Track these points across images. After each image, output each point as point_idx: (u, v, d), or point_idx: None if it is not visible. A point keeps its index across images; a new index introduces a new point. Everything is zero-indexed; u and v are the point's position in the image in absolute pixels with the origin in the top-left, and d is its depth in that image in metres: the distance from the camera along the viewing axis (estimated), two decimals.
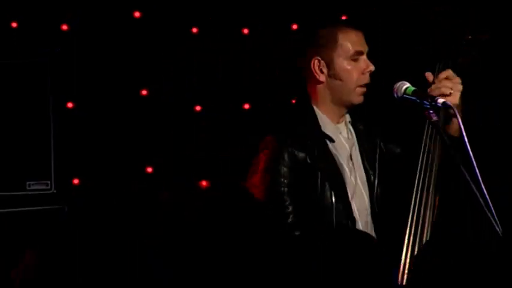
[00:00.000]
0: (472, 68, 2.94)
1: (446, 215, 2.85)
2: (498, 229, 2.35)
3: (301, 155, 2.72)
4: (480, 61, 2.99)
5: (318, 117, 2.82)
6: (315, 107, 2.84)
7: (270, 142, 2.79)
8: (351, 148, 2.84)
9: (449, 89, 2.64)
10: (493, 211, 2.39)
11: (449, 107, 2.51)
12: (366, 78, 2.80)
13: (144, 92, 3.89)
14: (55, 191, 3.62)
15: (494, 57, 4.00)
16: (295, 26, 3.96)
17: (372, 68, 2.82)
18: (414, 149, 2.84)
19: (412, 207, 2.66)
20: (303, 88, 2.89)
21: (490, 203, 2.38)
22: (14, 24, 3.62)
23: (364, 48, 2.82)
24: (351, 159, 2.81)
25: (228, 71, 3.97)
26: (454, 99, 2.61)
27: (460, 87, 2.66)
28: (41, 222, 3.61)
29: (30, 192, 3.59)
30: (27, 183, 3.59)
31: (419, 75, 2.77)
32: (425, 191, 2.71)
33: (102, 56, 3.74)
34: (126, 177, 3.86)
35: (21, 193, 3.57)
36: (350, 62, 2.82)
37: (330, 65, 2.79)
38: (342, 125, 2.86)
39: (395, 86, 2.64)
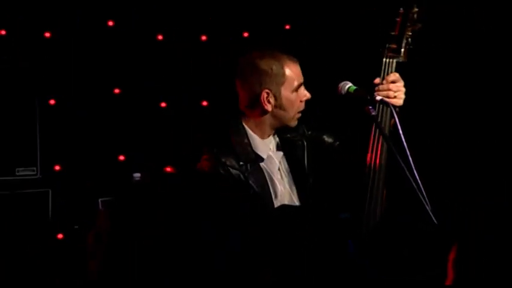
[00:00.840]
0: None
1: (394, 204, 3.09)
2: (428, 207, 2.69)
3: (235, 172, 2.95)
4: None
5: (249, 135, 3.05)
6: (246, 126, 3.07)
7: (208, 159, 3.04)
8: (279, 160, 3.05)
9: (393, 92, 2.87)
10: (424, 193, 2.75)
11: (386, 104, 2.84)
12: (303, 105, 3.05)
13: (116, 91, 4.31)
14: (40, 176, 4.10)
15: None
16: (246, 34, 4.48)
17: (308, 96, 3.07)
18: (354, 142, 3.17)
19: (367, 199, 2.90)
20: (235, 107, 3.13)
21: (421, 186, 2.74)
22: (3, 32, 4.07)
23: (302, 79, 3.04)
24: (280, 169, 3.03)
25: (188, 74, 4.43)
26: (398, 102, 2.88)
27: (403, 89, 2.89)
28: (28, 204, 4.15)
29: (18, 177, 4.05)
30: (16, 169, 4.06)
31: (365, 74, 3.04)
32: (375, 184, 2.94)
33: (81, 60, 4.17)
34: (100, 164, 4.30)
35: (11, 178, 4.03)
36: (293, 93, 3.03)
37: (277, 96, 3.00)
38: (269, 139, 3.08)
39: (339, 85, 2.95)
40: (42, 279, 4.07)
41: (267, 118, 3.05)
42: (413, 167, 2.79)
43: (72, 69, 4.25)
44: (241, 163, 2.96)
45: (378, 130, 2.87)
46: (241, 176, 2.98)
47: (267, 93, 2.96)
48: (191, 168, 3.12)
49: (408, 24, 2.95)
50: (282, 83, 3.00)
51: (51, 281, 4.12)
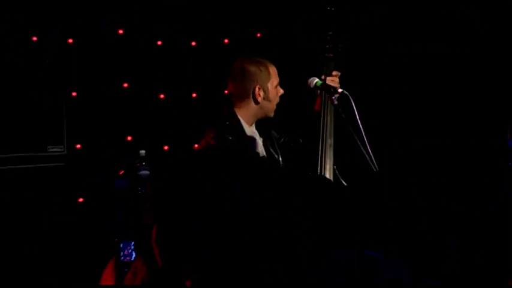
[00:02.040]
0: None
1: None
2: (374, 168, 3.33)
3: (235, 145, 3.48)
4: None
5: (241, 122, 3.64)
6: (239, 116, 3.65)
7: (214, 137, 3.56)
8: (259, 140, 3.67)
9: (338, 83, 3.69)
10: (368, 148, 3.39)
11: (347, 94, 3.54)
12: (278, 99, 3.68)
13: (125, 85, 5.11)
14: (66, 152, 4.94)
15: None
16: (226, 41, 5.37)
17: (282, 91, 3.70)
18: (310, 127, 3.77)
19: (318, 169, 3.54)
20: (228, 101, 3.74)
21: (372, 158, 3.38)
22: (35, 38, 4.85)
23: (278, 79, 3.68)
24: (258, 146, 3.65)
25: (182, 72, 5.28)
26: (339, 88, 3.61)
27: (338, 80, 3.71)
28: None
29: (49, 154, 4.89)
30: (48, 147, 4.90)
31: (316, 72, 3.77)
32: (326, 152, 3.62)
33: (96, 61, 4.96)
34: (112, 143, 5.10)
35: (44, 154, 4.87)
36: (275, 88, 3.66)
37: (265, 90, 3.62)
38: (253, 127, 3.69)
39: (308, 80, 3.69)
40: (66, 235, 4.85)
41: (256, 108, 3.66)
42: (363, 135, 3.50)
43: (90, 68, 5.02)
44: (240, 141, 3.56)
45: (331, 108, 3.64)
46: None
47: (259, 88, 3.59)
48: (209, 143, 3.57)
49: (337, 42, 3.76)
50: (269, 80, 3.62)
51: (74, 240, 4.89)
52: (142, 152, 4.73)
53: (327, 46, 3.78)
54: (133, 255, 3.69)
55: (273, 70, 3.68)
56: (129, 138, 5.16)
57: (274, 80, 3.67)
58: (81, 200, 4.97)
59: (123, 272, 3.43)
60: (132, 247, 3.58)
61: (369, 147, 3.48)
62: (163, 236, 2.31)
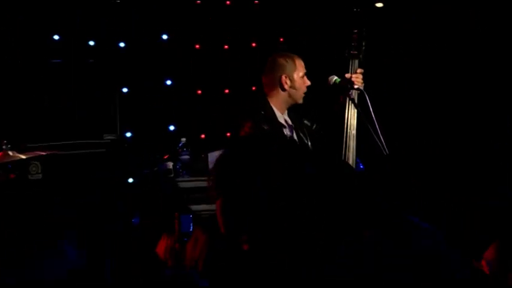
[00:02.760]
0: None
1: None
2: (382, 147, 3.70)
3: (269, 133, 3.61)
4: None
5: (274, 110, 4.05)
6: (271, 104, 4.05)
7: (246, 127, 3.89)
8: (290, 126, 4.05)
9: (361, 81, 4.00)
10: (382, 140, 3.73)
11: (362, 90, 3.93)
12: (305, 89, 4.05)
13: (168, 82, 5.99)
14: (118, 139, 5.79)
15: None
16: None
17: (309, 83, 4.06)
18: (335, 120, 4.07)
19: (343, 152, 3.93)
20: (262, 92, 4.16)
21: (384, 144, 3.74)
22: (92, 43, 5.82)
23: (305, 70, 4.07)
24: (290, 132, 4.01)
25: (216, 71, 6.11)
26: (362, 86, 3.96)
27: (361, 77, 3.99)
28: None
29: (105, 140, 5.68)
30: (104, 135, 5.71)
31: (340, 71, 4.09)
32: (349, 143, 3.98)
33: (144, 63, 5.83)
34: (156, 132, 5.93)
35: (101, 141, 5.68)
36: (301, 78, 4.06)
37: (291, 79, 4.03)
38: (285, 115, 4.09)
39: (328, 78, 4.06)
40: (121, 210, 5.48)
41: (285, 96, 4.06)
42: (376, 126, 3.86)
43: (139, 68, 5.86)
44: (274, 128, 3.92)
45: (352, 103, 3.96)
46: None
47: (285, 77, 4.02)
48: (247, 132, 3.91)
49: (362, 39, 4.07)
50: (294, 70, 4.05)
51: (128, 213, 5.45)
52: (183, 139, 5.57)
53: (352, 44, 4.10)
54: (191, 227, 4.30)
55: (299, 62, 4.10)
56: (172, 127, 6.01)
57: (300, 70, 4.08)
58: (130, 180, 5.77)
59: (183, 241, 4.08)
60: (190, 220, 4.37)
61: (380, 135, 3.89)
62: (226, 208, 2.47)
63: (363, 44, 4.08)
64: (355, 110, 4.00)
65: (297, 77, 4.06)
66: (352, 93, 3.99)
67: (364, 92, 3.94)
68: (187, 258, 3.34)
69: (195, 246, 3.22)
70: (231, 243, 2.55)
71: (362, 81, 4.00)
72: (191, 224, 4.11)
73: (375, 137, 3.86)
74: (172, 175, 5.52)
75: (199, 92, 6.14)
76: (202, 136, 6.11)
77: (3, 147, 4.64)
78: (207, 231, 3.17)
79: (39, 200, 5.02)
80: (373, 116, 3.92)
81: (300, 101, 4.09)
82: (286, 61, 4.07)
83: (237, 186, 2.47)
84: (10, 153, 4.68)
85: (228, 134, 5.53)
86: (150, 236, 4.78)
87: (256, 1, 6.15)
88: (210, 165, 5.43)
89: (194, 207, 5.21)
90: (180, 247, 3.68)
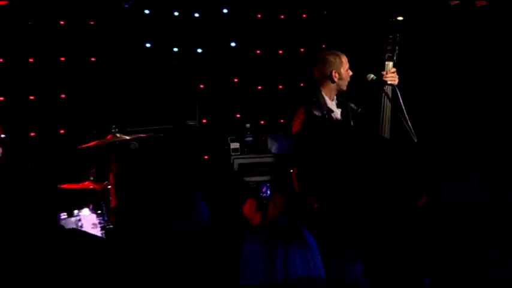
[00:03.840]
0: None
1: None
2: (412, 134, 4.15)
3: (320, 118, 4.43)
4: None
5: (324, 97, 4.59)
6: (323, 93, 4.60)
7: (300, 113, 4.47)
8: (337, 109, 4.63)
9: (395, 78, 4.55)
10: (411, 129, 4.14)
11: (394, 86, 4.49)
12: (349, 78, 4.63)
13: (235, 80, 7.31)
14: (197, 125, 7.10)
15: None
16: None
17: (351, 73, 4.64)
18: (373, 108, 4.63)
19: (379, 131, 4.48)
20: (314, 83, 4.65)
21: (413, 132, 4.18)
22: (176, 49, 7.37)
23: (348, 64, 4.65)
24: (338, 116, 4.60)
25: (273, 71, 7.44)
26: (396, 82, 4.52)
27: (397, 76, 4.53)
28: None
29: (187, 125, 7.05)
30: (187, 121, 7.05)
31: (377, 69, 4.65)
32: (384, 126, 4.54)
33: (219, 65, 7.23)
34: (226, 119, 7.28)
35: (184, 125, 7.05)
36: (346, 71, 4.64)
37: (339, 73, 4.61)
38: (334, 100, 4.65)
39: (367, 76, 4.65)
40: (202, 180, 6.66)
41: (333, 86, 4.64)
42: (406, 116, 4.31)
43: (213, 70, 7.20)
44: (324, 112, 4.49)
45: (387, 98, 4.52)
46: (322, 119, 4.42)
47: (335, 72, 4.60)
48: (300, 117, 4.46)
49: (395, 44, 4.68)
50: (341, 66, 4.63)
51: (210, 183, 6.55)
52: (247, 125, 7.07)
53: (388, 48, 4.72)
54: (268, 193, 5.04)
55: (344, 58, 4.69)
56: (238, 115, 7.39)
57: (345, 65, 4.68)
58: (206, 157, 7.11)
59: (263, 204, 4.49)
60: (268, 187, 5.15)
61: (410, 124, 4.36)
62: (300, 174, 3.09)
63: (396, 48, 4.69)
64: (389, 102, 4.54)
65: (343, 70, 4.67)
66: (386, 88, 4.58)
67: (396, 88, 4.53)
68: (269, 216, 3.76)
69: (275, 207, 3.62)
70: (304, 204, 3.15)
71: (396, 78, 4.59)
72: (268, 191, 4.96)
73: (405, 125, 4.35)
74: (239, 153, 6.92)
75: (260, 87, 7.54)
76: (262, 122, 7.46)
77: (112, 130, 5.81)
78: (284, 195, 3.61)
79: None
80: (404, 107, 4.44)
81: (345, 88, 4.68)
82: (335, 58, 4.67)
83: (301, 163, 3.35)
84: (117, 135, 5.82)
85: (282, 120, 6.97)
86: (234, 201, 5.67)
87: (304, 15, 7.54)
88: (269, 145, 7.00)
89: (255, 179, 6.60)
90: (261, 210, 4.14)
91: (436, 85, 6.45)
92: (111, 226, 5.63)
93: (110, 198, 5.60)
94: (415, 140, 4.26)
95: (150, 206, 5.68)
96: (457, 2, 6.58)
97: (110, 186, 5.67)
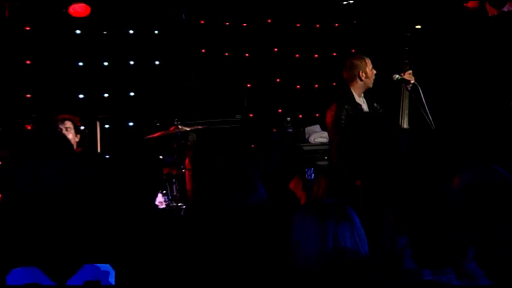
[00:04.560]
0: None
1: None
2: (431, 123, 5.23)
3: (351, 111, 5.29)
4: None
5: (354, 94, 5.47)
6: (352, 91, 5.49)
7: (333, 107, 5.32)
8: (364, 105, 5.48)
9: (412, 78, 5.54)
10: (430, 119, 5.16)
11: (416, 84, 5.48)
12: (374, 77, 5.49)
13: (278, 80, 8.49)
14: (245, 118, 8.48)
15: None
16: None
17: (375, 72, 5.50)
18: (394, 104, 5.59)
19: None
20: (345, 83, 5.58)
21: (431, 120, 5.22)
22: (203, 50, 8.72)
23: (372, 65, 5.51)
24: (365, 109, 5.46)
25: (309, 73, 8.64)
26: (413, 80, 5.49)
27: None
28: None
29: (236, 119, 8.11)
30: (236, 115, 8.15)
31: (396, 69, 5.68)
32: (404, 117, 5.50)
33: (264, 68, 8.62)
34: (267, 114, 8.48)
35: (233, 119, 8.12)
36: (371, 71, 5.51)
37: (365, 73, 5.48)
38: (361, 98, 5.52)
39: (392, 76, 5.60)
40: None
41: (361, 84, 5.50)
42: (426, 108, 5.28)
43: (258, 72, 8.40)
44: (352, 107, 5.35)
45: (408, 92, 5.52)
46: (351, 113, 5.29)
47: (361, 72, 5.47)
48: (332, 110, 5.36)
49: (411, 50, 5.66)
50: (366, 66, 5.50)
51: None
52: (288, 118, 8.16)
53: (404, 55, 5.75)
54: (312, 176, 5.25)
55: (368, 60, 5.59)
56: (280, 110, 8.56)
57: (369, 65, 5.58)
58: (252, 146, 8.18)
59: (308, 185, 4.62)
60: (312, 171, 5.28)
61: (429, 114, 5.39)
62: (340, 156, 3.93)
63: (412, 53, 5.79)
64: (409, 97, 5.54)
65: (368, 70, 5.57)
66: (409, 86, 5.62)
67: (418, 85, 5.55)
68: (314, 196, 3.96)
69: (319, 188, 3.78)
70: (346, 183, 3.46)
71: (412, 78, 5.61)
72: (312, 174, 5.36)
73: (425, 115, 5.37)
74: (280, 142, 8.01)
75: (298, 86, 8.70)
76: (300, 116, 8.58)
77: (175, 122, 6.74)
78: (327, 177, 3.83)
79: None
80: (424, 101, 5.45)
81: (371, 86, 5.57)
82: (360, 61, 5.60)
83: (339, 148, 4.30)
84: (179, 126, 6.74)
85: (317, 115, 8.01)
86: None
87: (336, 24, 8.76)
88: (306, 136, 8.10)
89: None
90: (306, 190, 4.42)
91: (449, 83, 7.24)
92: (175, 204, 6.37)
93: (186, 181, 6.35)
94: (433, 127, 5.23)
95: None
96: (471, 9, 7.24)
97: (184, 170, 6.47)
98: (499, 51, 6.98)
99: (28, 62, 7.37)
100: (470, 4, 7.15)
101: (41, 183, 2.74)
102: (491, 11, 6.72)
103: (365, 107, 5.55)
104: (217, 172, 3.15)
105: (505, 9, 5.99)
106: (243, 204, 2.98)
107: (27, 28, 7.33)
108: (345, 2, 8.34)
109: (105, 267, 2.86)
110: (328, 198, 3.13)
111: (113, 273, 2.81)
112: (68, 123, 6.05)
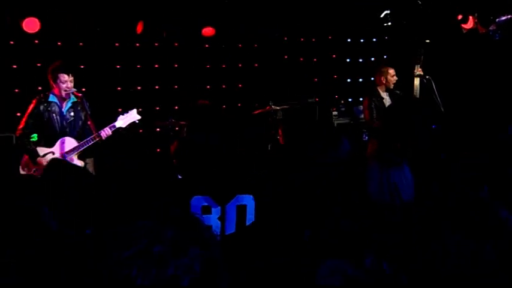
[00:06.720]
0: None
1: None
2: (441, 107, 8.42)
3: (377, 102, 8.67)
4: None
5: (379, 90, 8.85)
6: (378, 88, 8.93)
7: (366, 99, 8.80)
8: (387, 97, 8.76)
9: (422, 72, 8.80)
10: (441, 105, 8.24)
11: (430, 78, 8.60)
12: (394, 81, 8.81)
13: (315, 80, 12.38)
14: (313, 101, 12.79)
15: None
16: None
17: (396, 78, 8.80)
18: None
19: None
20: (374, 82, 9.22)
21: (441, 105, 8.38)
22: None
23: (394, 72, 8.83)
24: (387, 100, 8.71)
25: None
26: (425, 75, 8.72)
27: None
28: None
29: (309, 101, 12.25)
30: (308, 99, 11.76)
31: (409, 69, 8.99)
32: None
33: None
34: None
35: (308, 101, 12.22)
36: (392, 77, 8.88)
37: (386, 78, 8.87)
38: (384, 92, 8.83)
39: (414, 72, 8.80)
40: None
41: (384, 84, 8.80)
42: (438, 98, 8.25)
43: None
44: (376, 98, 8.72)
45: (428, 82, 8.71)
46: (378, 103, 8.67)
47: (383, 78, 8.80)
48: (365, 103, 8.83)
49: (422, 55, 8.71)
50: (388, 73, 8.88)
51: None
52: (342, 101, 12.21)
53: (418, 58, 8.53)
54: (366, 137, 9.50)
55: (391, 69, 8.74)
56: (336, 96, 12.47)
57: (390, 73, 8.78)
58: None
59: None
60: (366, 134, 9.95)
61: (440, 100, 8.04)
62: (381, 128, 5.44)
63: (422, 58, 8.67)
64: (420, 85, 8.45)
65: (389, 77, 8.80)
66: (424, 80, 8.56)
67: (431, 79, 8.32)
68: (368, 152, 4.54)
69: (372, 147, 4.30)
70: (390, 145, 4.17)
71: (423, 73, 8.55)
72: (366, 136, 9.50)
73: (436, 101, 8.12)
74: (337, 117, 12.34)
75: (349, 80, 12.81)
76: (350, 99, 12.68)
77: (269, 103, 9.95)
78: (377, 139, 4.35)
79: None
80: (436, 91, 8.20)
81: (392, 87, 8.73)
82: (384, 70, 8.82)
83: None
84: (273, 106, 9.92)
85: (361, 99, 11.67)
86: None
87: (374, 39, 12.91)
88: (355, 113, 11.80)
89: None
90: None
91: (449, 83, 9.54)
92: None
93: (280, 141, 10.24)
94: (442, 110, 7.86)
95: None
96: (467, 30, 10.54)
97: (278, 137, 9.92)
98: (490, 59, 9.68)
99: None
100: (466, 26, 10.68)
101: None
102: (481, 30, 9.85)
103: (387, 100, 8.54)
104: (314, 133, 4.20)
105: (491, 28, 9.08)
106: (336, 154, 3.74)
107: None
108: (385, 24, 11.30)
109: (249, 197, 3.48)
110: (384, 153, 3.87)
111: (253, 202, 3.41)
112: None
